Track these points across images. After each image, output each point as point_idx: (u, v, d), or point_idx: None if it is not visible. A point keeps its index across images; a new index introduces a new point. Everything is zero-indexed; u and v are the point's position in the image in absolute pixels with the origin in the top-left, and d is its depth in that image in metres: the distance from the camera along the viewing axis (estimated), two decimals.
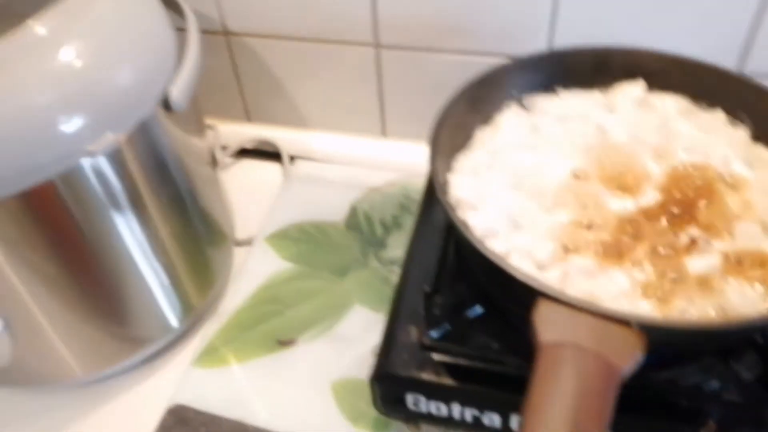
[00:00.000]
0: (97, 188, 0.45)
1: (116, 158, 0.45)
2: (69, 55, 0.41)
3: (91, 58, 0.42)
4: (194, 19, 0.53)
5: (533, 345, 0.33)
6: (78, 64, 0.41)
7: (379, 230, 0.66)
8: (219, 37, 0.69)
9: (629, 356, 0.32)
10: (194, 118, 0.58)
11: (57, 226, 0.45)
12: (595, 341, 0.32)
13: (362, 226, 0.66)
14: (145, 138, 0.47)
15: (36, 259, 0.46)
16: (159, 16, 0.49)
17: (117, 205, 0.47)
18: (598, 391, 0.30)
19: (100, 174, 0.44)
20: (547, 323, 0.33)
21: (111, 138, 0.42)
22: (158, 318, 0.55)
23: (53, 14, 0.40)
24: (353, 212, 0.68)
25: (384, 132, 0.74)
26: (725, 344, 0.41)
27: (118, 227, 0.48)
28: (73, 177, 0.43)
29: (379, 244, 0.65)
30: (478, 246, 0.38)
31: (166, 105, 0.47)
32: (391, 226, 0.66)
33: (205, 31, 0.68)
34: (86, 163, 0.43)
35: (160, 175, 0.50)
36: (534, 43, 0.61)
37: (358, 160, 0.73)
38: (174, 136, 0.51)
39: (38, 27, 0.40)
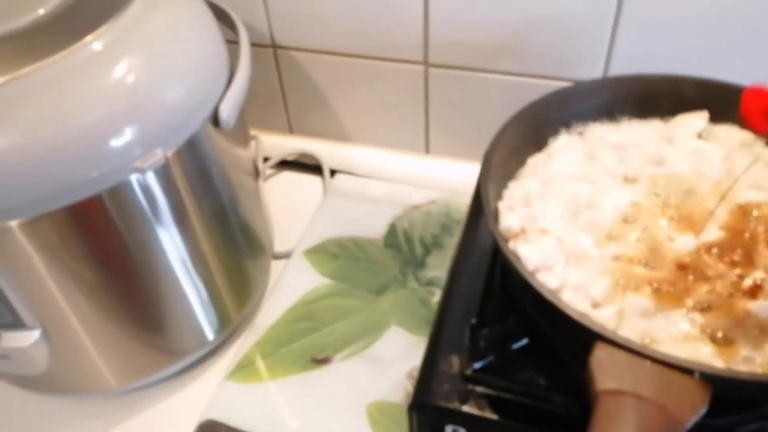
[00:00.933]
0: (142, 203, 0.45)
1: (163, 174, 0.44)
2: (122, 71, 0.41)
3: (143, 75, 0.42)
4: (245, 34, 0.53)
5: (589, 390, 0.32)
6: (130, 80, 0.41)
7: (418, 249, 0.65)
8: (267, 49, 0.69)
9: (692, 408, 0.30)
10: (241, 130, 0.57)
11: (100, 238, 0.45)
12: (656, 391, 0.30)
13: (401, 245, 0.65)
14: (192, 154, 0.47)
15: (77, 270, 0.46)
16: (212, 31, 0.49)
17: (161, 220, 0.47)
18: None
19: (146, 189, 0.44)
20: (605, 369, 0.31)
21: (160, 155, 0.42)
22: (195, 331, 0.55)
23: (109, 30, 0.40)
24: (392, 230, 0.67)
25: (427, 149, 0.73)
26: None
27: (160, 241, 0.48)
28: (119, 191, 0.43)
29: (419, 263, 0.63)
30: (531, 280, 0.37)
31: (216, 121, 0.46)
32: (430, 245, 0.65)
33: (254, 44, 0.69)
34: (134, 178, 0.43)
35: (204, 189, 0.50)
36: (589, 69, 0.59)
37: (400, 177, 0.72)
38: (221, 149, 0.50)
39: (95, 43, 0.40)
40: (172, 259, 0.49)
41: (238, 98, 0.47)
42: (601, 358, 0.32)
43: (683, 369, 0.31)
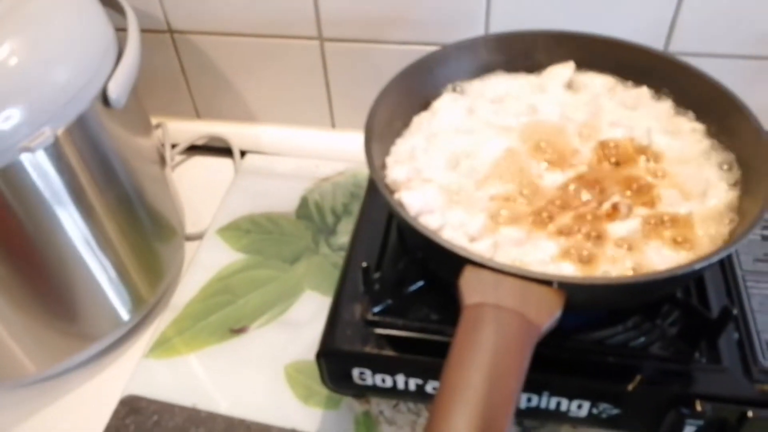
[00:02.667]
0: (38, 183, 0.45)
1: (56, 153, 0.45)
2: (3, 53, 0.41)
3: (25, 56, 0.42)
4: (134, 16, 0.54)
5: (459, 309, 0.35)
6: (12, 61, 0.42)
7: (329, 218, 0.67)
8: (164, 35, 0.70)
9: (548, 313, 0.34)
10: (139, 116, 0.58)
11: None
12: (515, 300, 0.33)
13: (313, 215, 0.68)
14: (85, 133, 0.47)
15: None
16: (96, 12, 0.49)
17: (59, 201, 0.47)
18: (515, 346, 0.32)
19: (40, 169, 0.45)
20: (472, 287, 0.35)
21: (48, 133, 0.43)
22: (108, 312, 0.55)
23: None
24: (304, 202, 0.69)
25: (333, 123, 0.75)
26: (646, 301, 0.43)
27: (62, 223, 0.48)
28: (12, 173, 0.43)
29: (330, 231, 0.66)
30: (411, 221, 0.40)
31: (105, 100, 0.47)
32: (341, 213, 0.68)
33: (150, 30, 0.69)
34: (25, 159, 0.43)
35: (103, 172, 0.51)
36: (473, 31, 0.63)
37: (308, 152, 0.74)
38: (115, 132, 0.51)
39: None
40: (76, 242, 0.50)
41: (127, 77, 0.48)
42: (468, 278, 0.35)
43: (540, 280, 0.35)
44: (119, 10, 0.55)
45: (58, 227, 0.48)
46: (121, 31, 0.53)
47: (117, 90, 0.47)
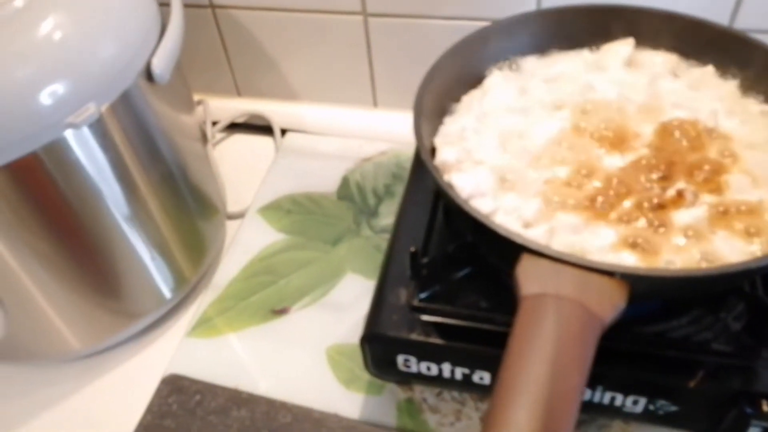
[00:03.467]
0: (82, 160, 0.45)
1: (100, 130, 0.45)
2: (47, 27, 0.41)
3: (70, 30, 0.42)
4: None
5: (516, 299, 0.33)
6: (57, 36, 0.41)
7: (371, 199, 0.66)
8: (206, 10, 0.69)
9: (611, 305, 0.32)
10: (182, 92, 0.57)
11: (44, 199, 0.45)
12: (576, 291, 0.32)
13: (354, 196, 0.66)
14: (129, 110, 0.47)
15: (25, 234, 0.46)
16: None
17: (104, 178, 0.47)
18: (578, 338, 0.30)
19: (85, 146, 0.44)
20: (530, 277, 0.33)
21: (93, 109, 0.42)
22: (151, 290, 0.55)
23: None
24: (345, 183, 0.68)
25: (375, 103, 0.73)
26: (711, 293, 0.41)
27: (105, 200, 0.48)
28: (57, 149, 0.43)
29: (372, 212, 0.65)
30: (463, 205, 0.38)
31: (149, 76, 0.47)
32: (383, 194, 0.66)
33: (192, 5, 0.68)
34: (70, 135, 0.43)
35: (146, 149, 0.50)
36: (524, 6, 0.60)
37: (350, 132, 0.73)
38: (159, 109, 0.50)
39: (17, 1, 0.39)
40: (119, 220, 0.50)
41: (171, 52, 0.47)
42: (526, 267, 0.33)
43: (602, 271, 0.33)
44: None
45: (102, 204, 0.48)
46: (164, 6, 0.52)
47: (161, 65, 0.47)
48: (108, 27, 0.44)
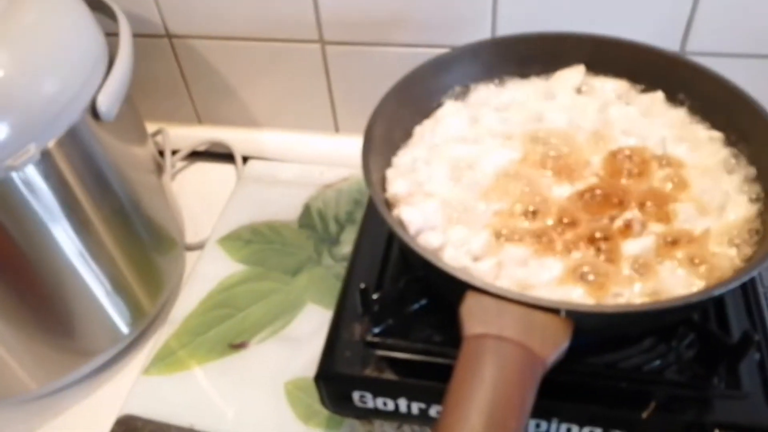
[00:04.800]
0: (29, 199, 0.44)
1: (47, 168, 0.44)
2: None
3: (10, 68, 0.41)
4: (126, 21, 0.52)
5: (460, 338, 0.33)
6: None
7: (333, 227, 0.65)
8: (163, 40, 0.68)
9: (553, 345, 0.32)
10: (133, 125, 0.56)
11: None
12: (518, 331, 0.31)
13: (316, 224, 0.66)
14: (76, 146, 0.46)
15: None
16: (85, 20, 0.48)
17: (53, 216, 0.46)
18: (517, 383, 0.30)
19: (30, 185, 0.43)
20: (473, 316, 0.33)
21: (33, 151, 0.41)
22: (107, 326, 0.54)
23: None
24: (307, 210, 0.67)
25: (337, 128, 0.73)
26: (659, 325, 0.41)
27: (56, 238, 0.47)
28: (2, 190, 0.42)
29: (333, 241, 0.64)
30: (410, 243, 0.38)
31: (95, 113, 0.46)
32: (345, 222, 0.66)
33: (148, 35, 0.68)
34: (14, 175, 0.42)
35: (97, 184, 0.49)
36: (479, 33, 0.60)
37: (312, 158, 0.72)
38: (109, 143, 0.50)
39: None
40: (71, 257, 0.49)
41: (118, 87, 0.47)
42: (470, 305, 0.33)
43: (546, 308, 0.33)
44: (110, 16, 0.54)
45: (53, 242, 0.47)
46: (113, 36, 0.51)
47: (107, 102, 0.46)
48: (51, 64, 0.43)
